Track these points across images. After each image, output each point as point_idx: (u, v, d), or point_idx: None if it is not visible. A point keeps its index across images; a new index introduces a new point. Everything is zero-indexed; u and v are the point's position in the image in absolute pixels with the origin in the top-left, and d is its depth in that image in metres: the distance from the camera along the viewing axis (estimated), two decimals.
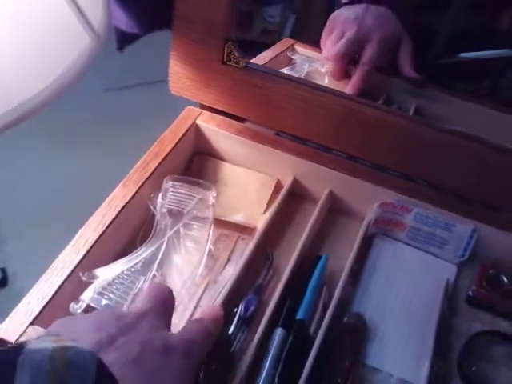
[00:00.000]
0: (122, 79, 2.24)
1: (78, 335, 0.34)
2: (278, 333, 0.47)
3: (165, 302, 0.39)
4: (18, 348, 0.27)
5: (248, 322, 0.48)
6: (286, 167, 0.58)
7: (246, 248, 0.53)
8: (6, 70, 0.39)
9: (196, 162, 0.61)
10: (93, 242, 0.48)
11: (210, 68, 0.57)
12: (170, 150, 0.56)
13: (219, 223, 0.55)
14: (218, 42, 0.56)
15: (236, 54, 0.56)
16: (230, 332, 0.47)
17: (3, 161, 1.74)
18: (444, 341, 0.49)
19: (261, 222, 0.55)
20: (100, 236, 0.48)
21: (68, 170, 1.79)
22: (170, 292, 0.40)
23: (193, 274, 0.51)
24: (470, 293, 0.52)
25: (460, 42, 0.65)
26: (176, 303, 0.50)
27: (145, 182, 0.53)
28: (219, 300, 0.48)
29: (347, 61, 0.65)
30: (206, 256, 0.52)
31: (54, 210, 1.65)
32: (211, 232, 0.53)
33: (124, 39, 0.68)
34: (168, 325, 0.39)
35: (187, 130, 0.58)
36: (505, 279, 0.52)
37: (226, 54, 0.56)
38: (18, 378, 0.26)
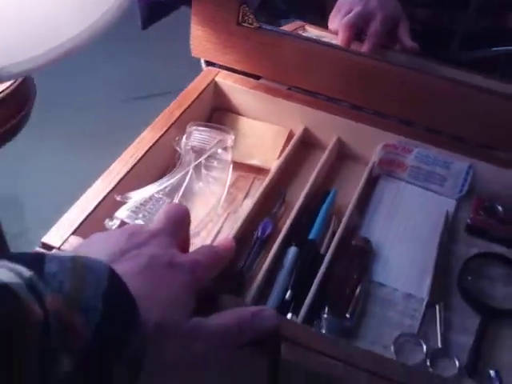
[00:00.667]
0: (138, 90, 2.32)
1: (93, 249, 0.37)
2: (292, 250, 0.52)
3: (179, 222, 0.41)
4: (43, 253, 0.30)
5: (264, 243, 0.53)
6: (297, 118, 0.64)
7: (261, 186, 0.58)
8: (58, 4, 0.46)
9: (216, 117, 0.67)
10: (124, 173, 0.53)
11: (226, 30, 0.64)
12: (193, 101, 0.62)
13: (237, 167, 0.61)
14: (234, 5, 0.62)
15: (250, 15, 0.63)
16: (248, 253, 0.52)
17: (29, 167, 1.81)
18: (444, 263, 0.54)
19: (274, 164, 0.61)
20: (131, 169, 0.54)
21: (91, 175, 1.86)
22: (187, 211, 0.42)
23: (214, 206, 0.56)
24: (469, 220, 0.56)
25: (473, 40, 0.72)
26: (199, 229, 0.55)
27: (170, 126, 0.59)
28: (238, 225, 0.53)
29: (354, 32, 0.71)
30: (226, 191, 0.57)
31: None
32: (230, 172, 0.59)
33: (148, 16, 0.75)
34: (180, 245, 0.40)
35: (207, 85, 0.64)
36: (500, 208, 0.57)
37: (241, 15, 0.63)
38: (47, 266, 0.29)
